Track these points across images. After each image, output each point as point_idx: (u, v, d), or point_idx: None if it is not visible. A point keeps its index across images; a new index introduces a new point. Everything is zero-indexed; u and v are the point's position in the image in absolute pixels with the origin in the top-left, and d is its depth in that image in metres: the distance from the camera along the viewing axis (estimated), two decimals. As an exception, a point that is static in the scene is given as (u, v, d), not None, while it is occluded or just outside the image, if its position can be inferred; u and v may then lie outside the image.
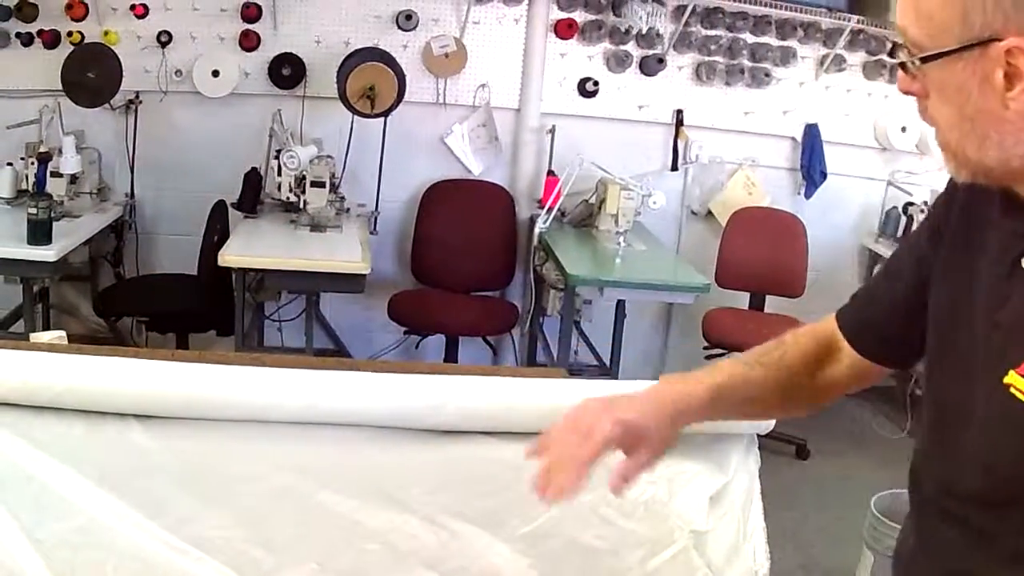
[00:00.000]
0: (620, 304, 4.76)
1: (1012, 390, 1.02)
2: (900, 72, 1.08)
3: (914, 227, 1.27)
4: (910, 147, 5.48)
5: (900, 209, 5.53)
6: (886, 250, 5.49)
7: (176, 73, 4.68)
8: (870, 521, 3.30)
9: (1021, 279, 1.06)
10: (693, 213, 5.47)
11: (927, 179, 5.54)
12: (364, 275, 4.04)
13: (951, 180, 1.20)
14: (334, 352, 4.97)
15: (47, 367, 1.83)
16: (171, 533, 1.55)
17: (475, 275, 5.11)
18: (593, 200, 4.91)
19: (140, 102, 4.68)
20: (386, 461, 1.83)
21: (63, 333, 2.41)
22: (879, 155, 5.58)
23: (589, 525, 1.70)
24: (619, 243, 4.59)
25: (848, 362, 1.39)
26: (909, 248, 1.33)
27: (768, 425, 1.91)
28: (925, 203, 5.35)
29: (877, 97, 5.41)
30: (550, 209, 4.68)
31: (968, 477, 1.10)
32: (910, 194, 5.46)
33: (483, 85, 4.96)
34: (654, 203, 4.54)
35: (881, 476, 3.58)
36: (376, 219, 4.83)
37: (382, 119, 4.55)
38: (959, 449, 1.12)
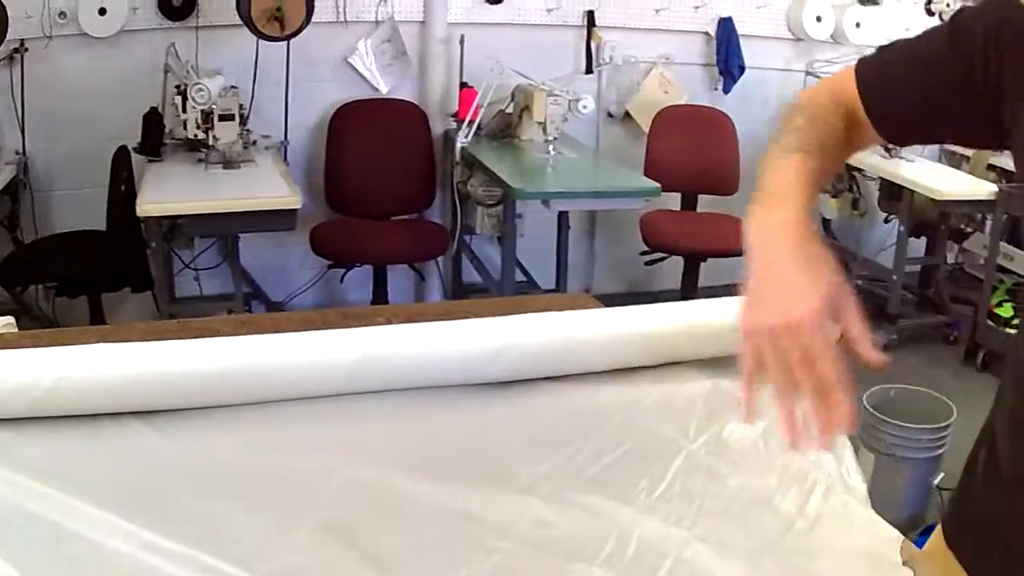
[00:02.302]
0: (563, 216, 4.85)
1: None
2: None
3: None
4: (825, 36, 5.70)
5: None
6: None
7: (60, 15, 4.53)
8: (864, 419, 3.47)
9: None
10: (610, 116, 5.59)
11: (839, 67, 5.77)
12: (295, 210, 4.04)
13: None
14: (251, 296, 4.98)
15: (13, 367, 1.54)
16: (217, 559, 1.27)
17: (394, 199, 5.13)
18: (511, 110, 5.00)
19: (26, 50, 4.53)
20: (458, 429, 1.66)
21: (11, 320, 2.10)
22: (794, 46, 5.79)
23: (717, 476, 1.54)
24: (548, 152, 4.68)
25: (870, 134, 1.39)
26: (952, 42, 1.27)
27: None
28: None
29: (790, -13, 5.59)
30: (471, 122, 4.72)
31: None
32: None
33: (384, -1, 4.97)
34: (584, 107, 4.65)
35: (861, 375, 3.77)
36: (286, 150, 4.84)
37: (284, 43, 4.56)
38: None
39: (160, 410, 1.60)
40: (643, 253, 5.24)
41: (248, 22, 4.30)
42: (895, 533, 1.42)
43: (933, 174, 5.52)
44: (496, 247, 5.15)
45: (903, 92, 1.36)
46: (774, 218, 1.21)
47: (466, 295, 5.30)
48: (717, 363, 1.80)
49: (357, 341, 1.69)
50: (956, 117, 1.28)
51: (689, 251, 5.11)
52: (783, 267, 1.17)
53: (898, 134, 1.43)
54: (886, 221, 6.11)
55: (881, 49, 1.42)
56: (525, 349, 1.72)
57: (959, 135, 1.42)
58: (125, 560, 1.25)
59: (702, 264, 5.18)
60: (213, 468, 1.50)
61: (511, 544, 1.34)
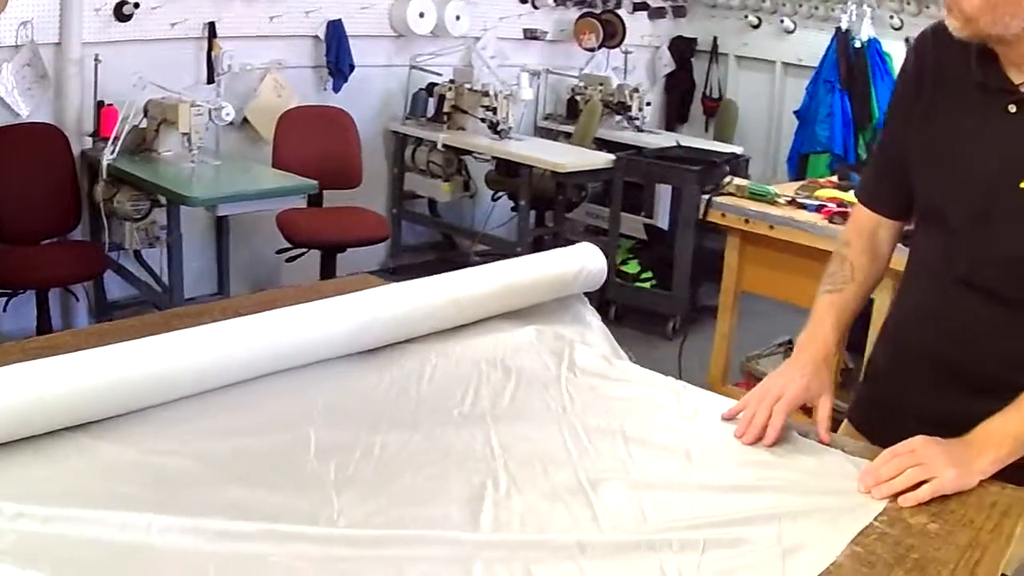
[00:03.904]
0: (222, 221, 5.18)
1: None
2: None
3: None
4: (427, 31, 6.38)
5: (425, 90, 6.46)
6: (416, 130, 6.40)
7: None
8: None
9: (1010, 119, 1.71)
10: (231, 123, 5.96)
11: (446, 60, 6.51)
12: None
13: (914, 46, 1.92)
14: None
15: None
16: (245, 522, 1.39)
17: (43, 222, 5.15)
18: (144, 124, 5.27)
19: None
20: (381, 388, 1.92)
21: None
22: (398, 42, 6.43)
23: (589, 387, 2.01)
24: (193, 161, 5.00)
25: (889, 231, 2.04)
26: (896, 113, 1.97)
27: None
28: (451, 81, 6.30)
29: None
30: (116, 139, 4.94)
31: (996, 259, 1.75)
32: (439, 74, 6.42)
33: (25, 22, 4.99)
34: (227, 115, 5.03)
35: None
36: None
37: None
38: (984, 240, 1.76)
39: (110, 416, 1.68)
40: (282, 250, 5.66)
41: None
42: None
43: (548, 150, 6.39)
44: (138, 262, 5.37)
45: (887, 175, 2.02)
46: (802, 339, 1.97)
47: (114, 312, 5.50)
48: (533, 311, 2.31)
49: (268, 324, 1.90)
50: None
51: (329, 243, 5.60)
52: (783, 368, 1.93)
53: (907, 210, 2.03)
54: (494, 199, 6.89)
55: (867, 166, 2.19)
56: (390, 318, 2.05)
57: None
58: (148, 550, 1.34)
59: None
60: (183, 461, 1.59)
61: (492, 461, 1.66)
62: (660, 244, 6.34)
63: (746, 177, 5.23)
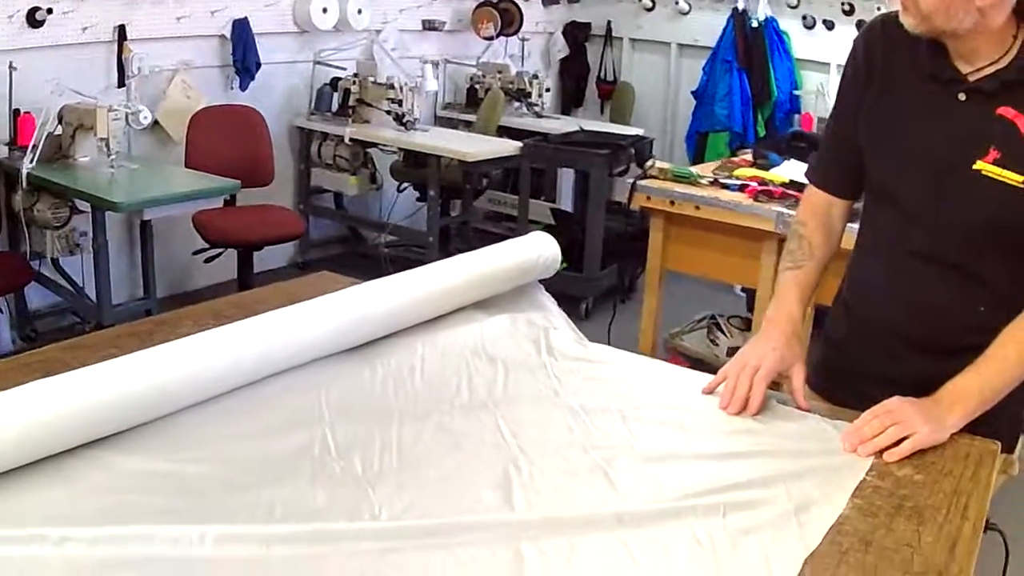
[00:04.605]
0: (146, 226, 5.24)
1: (983, 173, 1.88)
2: None
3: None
4: (330, 26, 6.47)
5: (330, 85, 6.56)
6: (322, 126, 6.49)
7: None
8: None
9: (960, 107, 1.91)
10: (141, 126, 5.99)
11: (349, 54, 6.62)
12: None
13: (863, 37, 2.10)
14: None
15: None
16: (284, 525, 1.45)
17: None
18: (59, 131, 5.27)
19: None
20: (376, 380, 2.01)
21: None
22: (301, 38, 6.52)
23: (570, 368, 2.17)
24: (112, 166, 5.01)
25: (840, 210, 2.25)
26: (845, 101, 2.16)
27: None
28: (355, 75, 6.41)
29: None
30: (34, 147, 4.93)
31: (949, 235, 1.96)
32: (343, 69, 6.52)
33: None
34: (144, 118, 5.08)
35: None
36: None
37: None
38: (938, 218, 1.96)
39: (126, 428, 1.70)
40: (199, 251, 5.73)
41: None
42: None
43: (455, 140, 6.53)
44: (56, 271, 5.36)
45: (840, 157, 2.21)
46: (769, 313, 2.16)
47: (36, 322, 5.50)
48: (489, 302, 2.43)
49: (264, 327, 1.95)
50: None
51: (248, 242, 5.67)
52: (755, 342, 2.09)
53: (856, 190, 2.23)
54: (400, 190, 7.01)
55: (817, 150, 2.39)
56: (380, 313, 2.15)
57: None
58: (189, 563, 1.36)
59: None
60: (210, 469, 1.62)
61: (507, 447, 1.77)
62: (569, 227, 6.51)
63: (650, 158, 5.42)
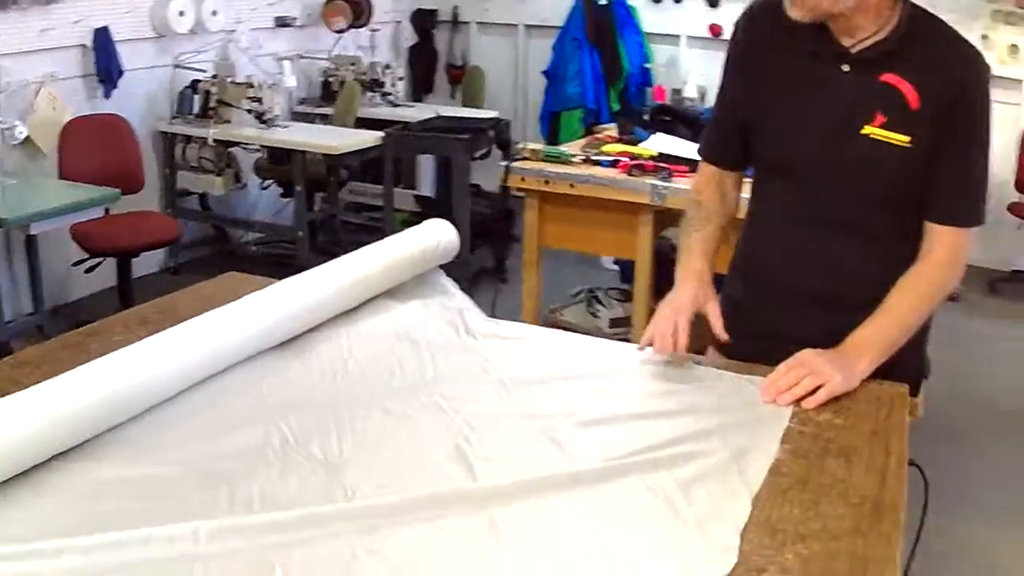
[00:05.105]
0: (31, 240, 5.32)
1: (871, 136, 2.06)
2: None
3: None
4: (187, 29, 6.58)
5: (190, 88, 6.68)
6: (185, 128, 6.61)
7: None
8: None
9: (845, 77, 2.09)
10: (17, 141, 5.89)
11: (207, 56, 6.75)
12: None
13: (743, 20, 2.28)
14: None
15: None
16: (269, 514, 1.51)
17: None
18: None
19: None
20: (338, 365, 2.12)
21: None
22: (160, 43, 6.62)
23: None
24: (-10, 182, 5.11)
25: (732, 179, 2.44)
26: (729, 83, 2.34)
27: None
28: (214, 76, 6.55)
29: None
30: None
31: (843, 198, 2.15)
32: (203, 70, 6.65)
33: None
34: (20, 133, 5.16)
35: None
36: None
37: None
38: (832, 182, 2.15)
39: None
40: (79, 262, 5.85)
41: None
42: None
43: (317, 134, 6.76)
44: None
45: (728, 133, 2.39)
46: (678, 272, 2.35)
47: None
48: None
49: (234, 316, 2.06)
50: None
51: (127, 250, 5.78)
52: (671, 294, 2.31)
53: (744, 162, 2.43)
54: (263, 187, 7.16)
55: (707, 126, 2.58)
56: (302, 308, 2.22)
57: None
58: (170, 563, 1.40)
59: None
60: (199, 460, 1.70)
61: (452, 423, 1.88)
62: (434, 213, 6.68)
63: (509, 140, 5.65)
